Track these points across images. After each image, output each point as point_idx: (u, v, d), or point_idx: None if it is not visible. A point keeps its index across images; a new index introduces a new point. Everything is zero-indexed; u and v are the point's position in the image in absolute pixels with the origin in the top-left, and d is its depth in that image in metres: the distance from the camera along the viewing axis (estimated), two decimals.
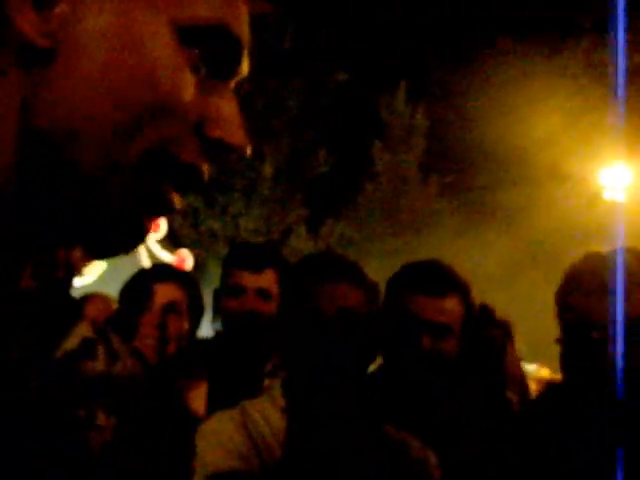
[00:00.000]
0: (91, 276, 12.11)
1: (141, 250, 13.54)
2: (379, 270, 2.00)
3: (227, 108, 0.60)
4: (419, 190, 15.73)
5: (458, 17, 15.08)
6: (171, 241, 13.92)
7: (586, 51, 13.37)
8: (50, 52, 0.52)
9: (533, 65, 13.72)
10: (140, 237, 0.59)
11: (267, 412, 1.55)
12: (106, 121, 0.54)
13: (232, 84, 0.63)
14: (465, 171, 15.05)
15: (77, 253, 1.85)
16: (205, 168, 0.60)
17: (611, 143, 11.14)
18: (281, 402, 1.54)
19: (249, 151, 0.62)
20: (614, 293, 1.22)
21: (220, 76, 0.61)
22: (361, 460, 1.47)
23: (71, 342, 1.65)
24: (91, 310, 2.84)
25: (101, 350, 1.73)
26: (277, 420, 1.53)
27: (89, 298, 3.13)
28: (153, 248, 13.52)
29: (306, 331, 1.52)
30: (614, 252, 1.29)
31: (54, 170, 0.54)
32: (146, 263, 10.54)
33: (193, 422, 1.78)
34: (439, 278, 1.85)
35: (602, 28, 13.26)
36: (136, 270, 2.42)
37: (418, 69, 15.47)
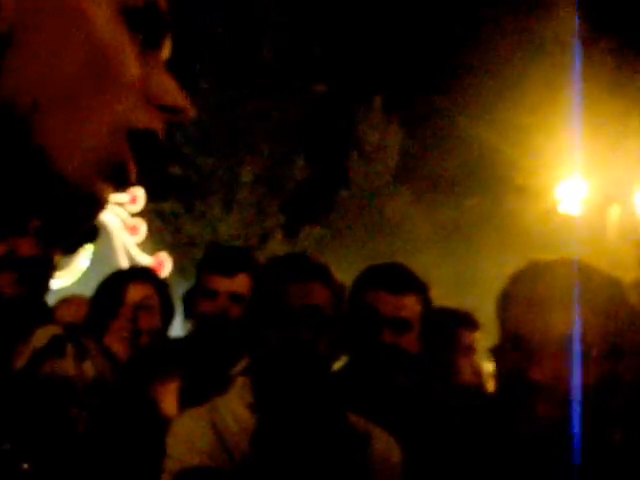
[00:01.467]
0: (69, 278, 11.97)
1: (120, 253, 13.42)
2: (354, 274, 2.03)
3: (163, 75, 0.62)
4: (391, 199, 15.84)
5: (431, 35, 15.20)
6: (150, 245, 13.80)
7: (545, 70, 13.52)
8: (7, 37, 0.52)
9: (496, 85, 13.85)
10: (99, 208, 0.60)
11: (234, 408, 1.54)
12: (65, 97, 0.54)
13: (162, 54, 0.63)
14: (434, 182, 15.17)
15: (56, 255, 1.81)
16: (161, 133, 0.61)
17: (567, 158, 11.27)
18: (248, 398, 1.52)
19: (192, 112, 0.63)
20: (552, 305, 1.15)
21: (152, 47, 0.61)
22: (326, 451, 1.46)
23: (40, 341, 1.61)
24: (68, 312, 2.79)
25: (70, 348, 1.70)
26: (244, 416, 1.51)
27: (65, 301, 3.07)
28: (132, 251, 13.40)
29: (274, 326, 1.51)
30: (557, 262, 1.24)
31: (16, 146, 0.53)
32: (125, 266, 10.43)
33: (164, 421, 1.74)
34: (399, 277, 1.90)
35: (561, 49, 13.44)
36: (109, 273, 2.38)
37: (393, 83, 15.57)
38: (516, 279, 1.25)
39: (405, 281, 1.90)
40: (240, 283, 2.25)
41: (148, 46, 0.60)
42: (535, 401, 1.14)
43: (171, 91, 0.61)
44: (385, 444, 1.56)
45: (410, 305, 1.87)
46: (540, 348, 1.15)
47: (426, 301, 1.92)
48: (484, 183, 13.71)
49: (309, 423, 1.48)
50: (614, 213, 11.03)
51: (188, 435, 1.50)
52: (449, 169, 14.69)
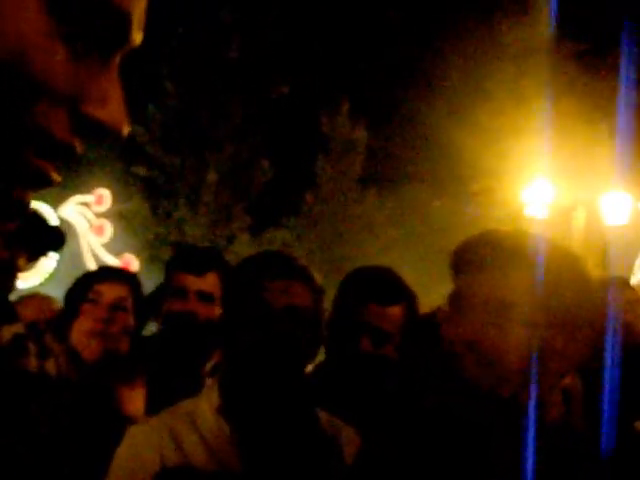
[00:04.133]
0: (35, 279, 11.79)
1: (86, 254, 13.24)
2: (318, 276, 2.01)
3: (108, 86, 0.55)
4: (358, 202, 15.87)
5: (399, 37, 15.27)
6: (116, 246, 13.65)
7: (513, 73, 13.67)
8: None
9: (463, 88, 13.96)
10: (18, 212, 0.56)
11: (200, 412, 1.49)
12: None
13: (116, 61, 0.57)
14: (400, 184, 15.25)
15: (22, 256, 1.77)
16: (76, 145, 0.55)
17: (533, 161, 11.39)
18: (216, 401, 1.49)
19: (125, 132, 0.57)
20: (495, 270, 1.16)
21: (101, 52, 0.55)
22: (296, 451, 1.44)
23: (3, 339, 1.56)
24: (29, 310, 2.73)
25: (32, 347, 1.65)
26: (210, 420, 1.47)
27: (28, 298, 3.00)
28: (98, 252, 13.24)
29: (252, 325, 1.48)
30: (511, 233, 1.25)
31: None
32: (91, 267, 10.30)
33: (129, 423, 1.71)
34: (388, 288, 1.89)
35: (529, 53, 13.62)
36: (81, 273, 2.34)
37: (360, 85, 15.62)
38: (470, 244, 1.25)
39: (393, 292, 1.89)
40: (209, 282, 2.23)
41: (93, 46, 0.54)
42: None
43: (109, 104, 0.55)
44: (356, 443, 1.53)
45: (395, 317, 1.86)
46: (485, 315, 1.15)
47: (411, 310, 1.91)
48: (450, 185, 13.81)
49: (279, 424, 1.45)
50: (580, 217, 11.19)
51: (130, 461, 1.47)
52: (416, 171, 14.78)
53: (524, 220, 11.37)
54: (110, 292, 2.12)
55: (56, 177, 0.55)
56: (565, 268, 1.19)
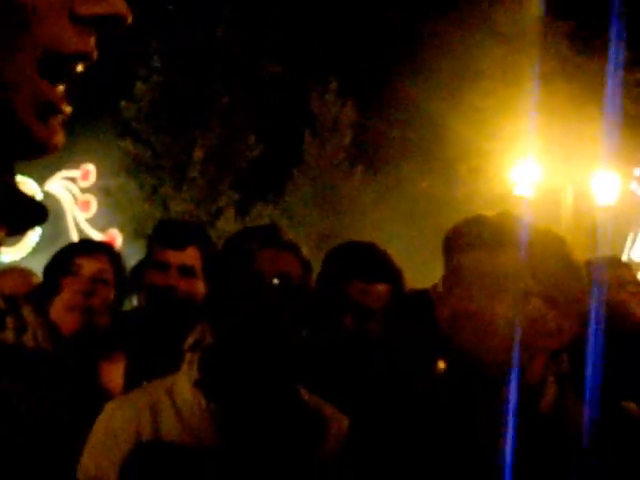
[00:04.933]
0: (18, 253, 11.73)
1: (70, 229, 13.17)
2: (306, 253, 1.99)
3: None
4: (345, 179, 15.86)
5: (388, 16, 15.17)
6: (101, 221, 13.59)
7: (502, 53, 13.62)
8: None
9: (452, 68, 13.91)
10: (39, 146, 0.55)
11: (178, 387, 1.47)
12: None
13: None
14: (389, 163, 15.24)
15: (1, 230, 1.72)
16: (92, 50, 0.55)
17: (522, 141, 11.38)
18: (195, 375, 1.46)
19: (129, 19, 0.56)
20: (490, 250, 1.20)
21: None
22: (276, 426, 1.43)
23: None
24: (7, 283, 2.69)
25: (10, 321, 1.60)
26: (187, 394, 1.45)
27: (6, 272, 2.96)
28: (83, 227, 13.17)
29: (243, 293, 1.46)
30: (499, 215, 1.27)
31: None
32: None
33: (107, 398, 1.68)
34: (374, 265, 1.86)
35: (518, 33, 13.56)
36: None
37: (349, 65, 15.54)
38: (462, 226, 1.28)
39: (378, 269, 1.86)
40: (190, 256, 2.20)
41: None
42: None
43: (104, 1, 0.54)
44: (334, 416, 1.53)
45: (379, 294, 1.84)
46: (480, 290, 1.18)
47: (398, 289, 1.88)
48: (439, 164, 13.81)
49: (259, 398, 1.43)
50: (568, 196, 11.21)
51: (106, 436, 1.46)
52: (404, 151, 14.77)
53: (513, 199, 11.38)
54: (90, 265, 2.09)
55: (67, 107, 0.55)
56: (551, 247, 1.23)
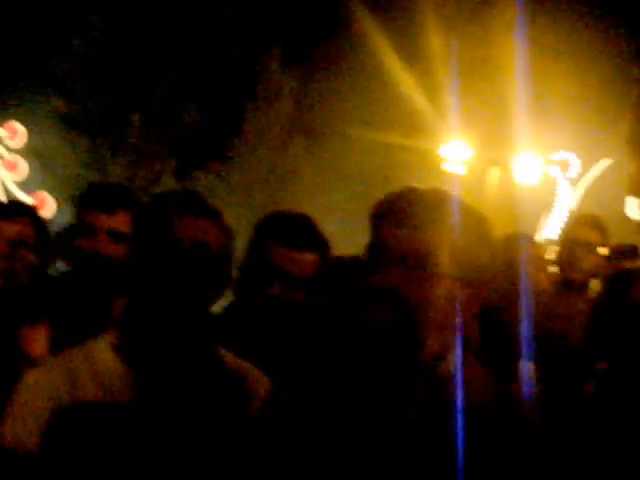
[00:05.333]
0: None
1: None
2: (243, 223, 1.99)
3: None
4: (284, 150, 15.75)
5: None
6: (31, 184, 13.11)
7: (435, 30, 13.66)
8: None
9: (391, 46, 13.91)
10: None
11: (97, 351, 1.45)
12: None
13: None
14: (327, 136, 15.20)
15: None
16: None
17: (453, 119, 11.55)
18: (115, 339, 1.44)
19: None
20: (421, 227, 1.21)
21: None
22: (192, 386, 1.43)
23: None
24: None
25: None
26: (107, 358, 1.44)
27: None
28: (10, 189, 12.71)
29: (161, 259, 1.43)
30: (429, 192, 1.28)
31: None
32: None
33: (30, 365, 1.64)
34: (302, 233, 1.88)
35: (448, 13, 13.64)
36: None
37: (292, 36, 15.34)
38: (391, 199, 1.28)
39: (306, 238, 1.87)
40: (120, 220, 2.15)
41: None
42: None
43: None
44: (259, 384, 1.54)
45: (306, 263, 1.85)
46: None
47: (324, 259, 1.90)
48: (374, 137, 13.86)
49: (177, 361, 1.43)
50: (493, 176, 11.46)
51: (26, 403, 1.44)
52: (342, 123, 14.76)
53: (443, 175, 11.56)
54: (10, 228, 2.03)
55: None
56: (474, 229, 1.24)
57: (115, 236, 2.14)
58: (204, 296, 1.51)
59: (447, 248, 1.20)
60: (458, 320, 1.22)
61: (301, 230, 1.90)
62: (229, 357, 1.54)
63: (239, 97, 15.63)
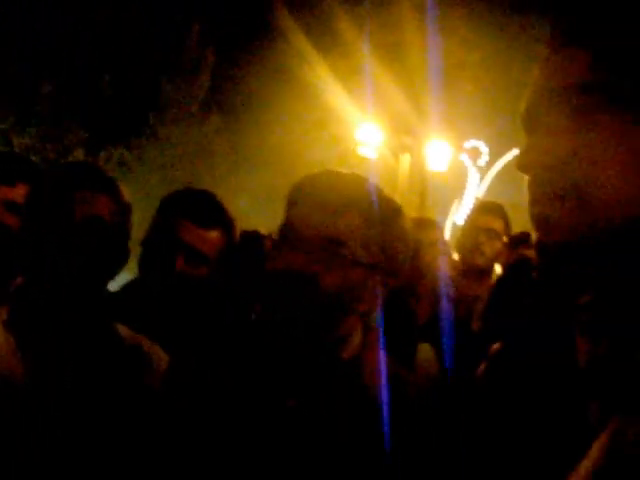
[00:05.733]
0: None
1: None
2: (156, 199, 1.96)
3: None
4: (201, 126, 15.49)
5: None
6: None
7: (347, 21, 13.70)
8: None
9: (305, 30, 13.85)
10: None
11: None
12: None
13: None
14: (244, 115, 15.05)
15: None
16: None
17: (367, 104, 11.63)
18: (4, 314, 1.38)
19: None
20: (329, 211, 1.20)
21: None
22: (87, 360, 1.39)
23: None
24: None
25: None
26: None
27: None
28: None
29: (52, 232, 1.37)
30: (345, 176, 1.27)
31: None
32: None
33: None
34: (207, 209, 1.86)
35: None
36: None
37: (213, 12, 15.05)
38: (306, 181, 1.27)
39: (211, 215, 1.85)
40: (20, 193, 2.03)
41: None
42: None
43: None
44: (157, 358, 1.51)
45: (211, 239, 1.83)
46: (299, 243, 1.18)
47: (230, 236, 1.89)
48: (289, 117, 13.82)
49: (68, 336, 1.37)
50: (405, 161, 11.62)
51: None
52: (259, 101, 14.64)
53: (356, 158, 11.64)
54: None
55: None
56: (388, 216, 1.24)
57: (14, 209, 2.03)
58: (97, 271, 1.46)
59: (359, 235, 1.19)
60: (364, 305, 1.22)
61: (207, 207, 1.87)
62: (126, 332, 1.51)
63: (156, 69, 15.23)
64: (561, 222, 0.69)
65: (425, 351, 1.97)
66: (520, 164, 0.73)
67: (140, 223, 1.90)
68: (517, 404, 1.35)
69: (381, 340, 1.26)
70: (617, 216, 0.66)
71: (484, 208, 2.80)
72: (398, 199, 1.33)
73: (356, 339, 1.23)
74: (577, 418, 0.74)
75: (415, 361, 1.89)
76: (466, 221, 2.79)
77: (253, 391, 1.19)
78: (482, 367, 1.65)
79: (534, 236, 0.75)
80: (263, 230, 1.96)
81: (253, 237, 2.07)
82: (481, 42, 13.40)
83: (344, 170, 1.29)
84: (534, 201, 0.72)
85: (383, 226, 1.22)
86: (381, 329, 1.28)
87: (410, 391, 1.22)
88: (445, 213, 12.59)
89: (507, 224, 2.72)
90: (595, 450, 0.66)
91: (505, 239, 2.62)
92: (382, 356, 1.24)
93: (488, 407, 1.47)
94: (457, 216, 12.16)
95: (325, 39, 13.51)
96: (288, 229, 1.23)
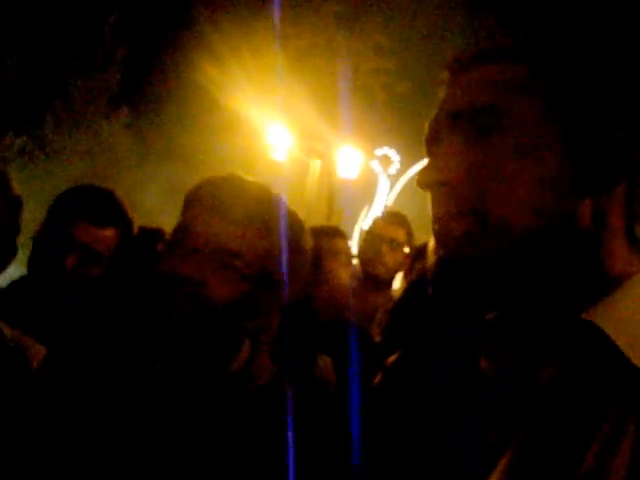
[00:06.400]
0: None
1: None
2: (55, 189, 1.91)
3: None
4: (109, 120, 15.06)
5: None
6: None
7: (262, 21, 13.66)
8: None
9: (221, 28, 13.72)
10: None
11: None
12: None
13: None
14: (153, 110, 14.74)
15: None
16: None
17: (279, 107, 11.62)
18: None
19: None
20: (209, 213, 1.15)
21: None
22: None
23: None
24: None
25: None
26: None
27: None
28: None
29: None
30: (249, 184, 1.21)
31: None
32: None
33: None
34: (102, 208, 1.82)
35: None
36: None
37: (128, 6, 14.63)
38: (207, 185, 1.22)
39: (106, 213, 1.82)
40: None
41: None
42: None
43: None
44: (35, 352, 1.44)
45: (105, 238, 1.81)
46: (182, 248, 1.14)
47: (126, 236, 1.86)
48: (200, 115, 13.64)
49: None
50: (315, 167, 11.66)
51: None
52: (168, 97, 14.40)
53: (266, 161, 11.61)
54: None
55: None
56: (290, 231, 1.20)
57: None
58: None
59: (256, 249, 1.14)
60: (255, 323, 1.18)
61: (104, 205, 1.83)
62: (8, 331, 1.45)
63: (65, 58, 14.65)
64: (461, 238, 0.71)
65: (323, 361, 1.95)
66: (420, 181, 0.75)
67: (39, 216, 1.83)
68: (392, 414, 1.36)
69: (274, 351, 1.23)
70: (513, 227, 0.68)
71: (388, 218, 2.80)
72: (306, 204, 1.28)
73: (244, 353, 1.19)
74: (480, 435, 0.73)
75: (314, 372, 1.88)
76: (369, 230, 2.78)
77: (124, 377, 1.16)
78: (378, 377, 1.65)
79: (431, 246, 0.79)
80: (169, 228, 1.92)
81: (151, 235, 2.03)
82: (396, 50, 13.64)
83: (252, 174, 1.24)
84: (435, 218, 0.74)
85: (284, 242, 1.18)
86: (278, 340, 1.25)
87: (300, 403, 1.18)
88: (354, 220, 12.73)
89: (410, 234, 2.72)
90: (500, 468, 0.66)
91: (407, 250, 2.62)
92: (273, 368, 1.20)
93: (379, 418, 1.46)
94: (365, 223, 12.34)
95: (239, 39, 13.42)
96: (183, 232, 1.16)
